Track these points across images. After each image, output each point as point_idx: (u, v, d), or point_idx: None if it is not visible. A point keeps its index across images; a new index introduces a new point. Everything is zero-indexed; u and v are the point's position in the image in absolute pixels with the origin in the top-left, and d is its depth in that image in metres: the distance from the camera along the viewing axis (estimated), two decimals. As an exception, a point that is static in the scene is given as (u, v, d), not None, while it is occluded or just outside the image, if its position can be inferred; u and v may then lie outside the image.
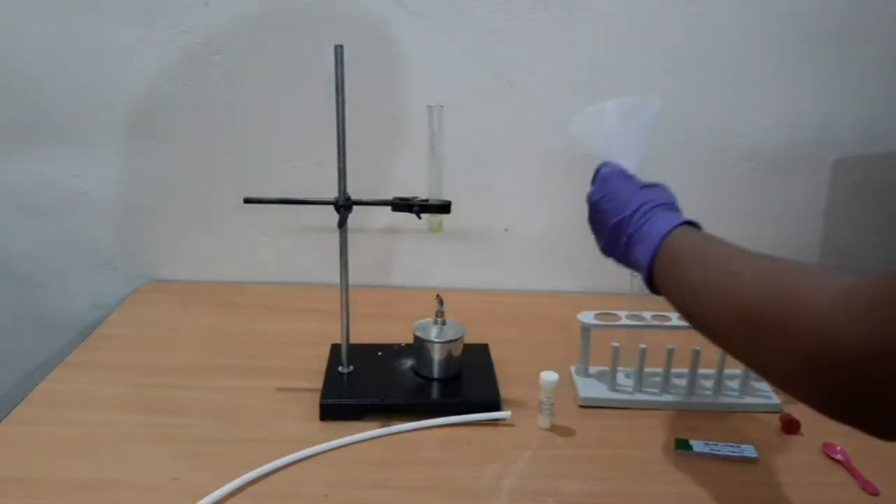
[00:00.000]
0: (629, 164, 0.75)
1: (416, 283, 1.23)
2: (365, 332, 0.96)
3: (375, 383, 0.90)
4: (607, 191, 0.73)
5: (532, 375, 0.84)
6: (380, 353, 0.96)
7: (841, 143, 1.16)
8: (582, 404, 0.90)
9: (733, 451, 0.80)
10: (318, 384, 0.89)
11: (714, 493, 0.75)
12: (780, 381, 0.51)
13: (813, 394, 0.48)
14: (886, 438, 0.46)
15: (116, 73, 1.12)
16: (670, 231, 0.65)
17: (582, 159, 1.17)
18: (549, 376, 0.83)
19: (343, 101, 0.82)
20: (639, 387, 0.91)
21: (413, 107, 1.13)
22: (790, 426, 0.84)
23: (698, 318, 0.59)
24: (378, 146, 1.15)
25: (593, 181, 0.77)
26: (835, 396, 0.46)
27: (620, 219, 0.69)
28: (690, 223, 0.67)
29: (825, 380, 0.46)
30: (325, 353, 0.96)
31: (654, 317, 0.91)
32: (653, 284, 0.66)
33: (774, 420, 0.86)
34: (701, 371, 0.90)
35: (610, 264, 0.74)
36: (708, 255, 0.61)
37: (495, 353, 0.97)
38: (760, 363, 0.53)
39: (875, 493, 0.74)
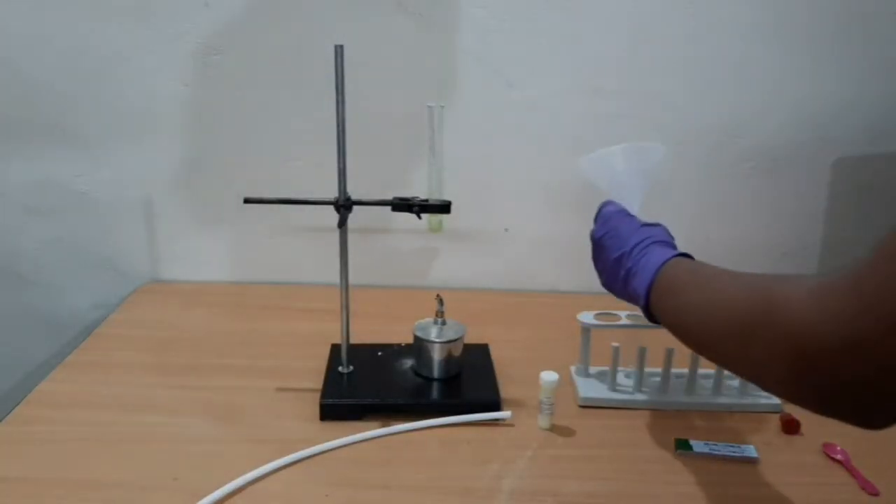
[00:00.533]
0: (632, 204, 0.80)
1: (416, 283, 1.23)
2: (365, 332, 0.96)
3: (375, 383, 0.90)
4: (609, 228, 0.77)
5: (532, 375, 0.84)
6: (380, 353, 0.96)
7: (841, 143, 1.16)
8: (582, 404, 0.90)
9: (733, 451, 0.80)
10: (318, 384, 0.89)
11: (714, 493, 0.75)
12: (771, 386, 0.53)
13: (801, 393, 0.49)
14: (875, 428, 0.47)
15: (116, 72, 1.12)
16: (665, 262, 0.69)
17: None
18: (549, 376, 0.83)
19: (343, 101, 0.82)
20: (639, 387, 0.91)
21: (413, 107, 1.13)
22: (790, 426, 0.84)
23: (692, 337, 0.63)
24: (378, 146, 1.15)
25: (596, 219, 0.81)
26: (820, 393, 0.48)
27: (620, 254, 0.74)
28: (685, 255, 0.71)
29: (808, 378, 0.47)
30: (325, 353, 0.96)
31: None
32: (650, 314, 0.70)
33: (774, 420, 0.86)
34: (701, 371, 0.90)
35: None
36: (698, 277, 0.65)
37: (495, 353, 0.97)
38: (751, 371, 0.55)
39: (875, 493, 0.75)
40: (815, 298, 0.46)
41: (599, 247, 0.78)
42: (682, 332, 0.65)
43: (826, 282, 0.46)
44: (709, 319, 0.59)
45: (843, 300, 0.44)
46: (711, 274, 0.63)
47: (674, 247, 0.74)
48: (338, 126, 0.83)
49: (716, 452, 0.80)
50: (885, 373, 0.43)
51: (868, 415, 0.47)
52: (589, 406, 0.90)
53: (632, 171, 0.80)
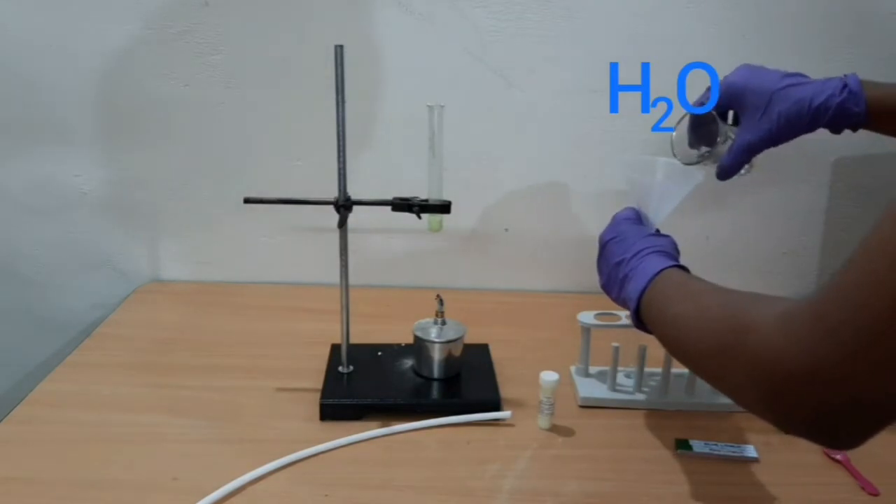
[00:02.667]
0: (656, 217, 0.81)
1: (416, 283, 1.23)
2: (365, 332, 0.96)
3: (375, 383, 0.90)
4: (617, 233, 0.79)
5: (532, 375, 0.84)
6: (380, 353, 0.96)
7: (841, 143, 1.16)
8: (582, 404, 0.90)
9: (733, 451, 0.80)
10: (318, 384, 0.89)
11: (714, 493, 0.75)
12: (747, 406, 0.54)
13: (773, 416, 0.50)
14: (846, 449, 0.48)
15: (116, 72, 1.12)
16: (660, 271, 0.70)
17: (583, 160, 1.18)
18: (549, 376, 0.83)
19: (343, 101, 0.82)
20: (639, 387, 0.91)
21: (413, 107, 1.13)
22: (790, 426, 0.84)
23: (676, 349, 0.64)
24: (378, 146, 1.15)
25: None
26: (789, 415, 0.48)
27: (621, 259, 0.75)
28: (681, 267, 0.72)
29: (778, 402, 0.48)
30: (325, 353, 0.96)
31: (654, 317, 0.91)
32: (640, 320, 0.71)
33: (774, 420, 0.86)
34: (701, 371, 0.90)
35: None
36: (686, 291, 0.66)
37: (495, 353, 0.97)
38: (728, 390, 0.56)
39: (875, 493, 0.74)
40: (781, 324, 0.47)
41: (606, 249, 0.80)
42: (668, 344, 0.66)
43: (792, 308, 0.47)
44: (690, 336, 0.60)
45: (806, 327, 0.45)
46: (698, 290, 0.64)
47: (675, 259, 0.74)
48: (338, 126, 0.83)
49: (716, 452, 0.80)
50: (847, 398, 0.44)
51: (837, 438, 0.48)
52: (589, 406, 0.90)
53: (666, 186, 0.81)
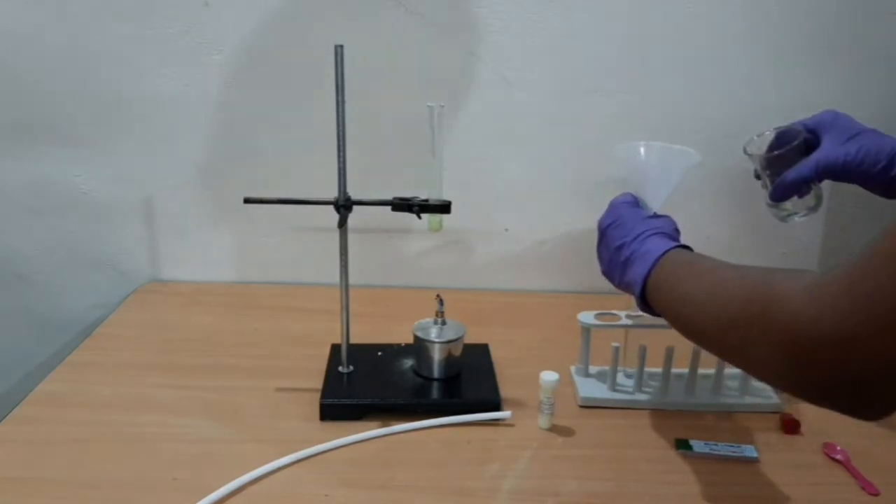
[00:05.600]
0: (654, 201, 0.80)
1: (416, 283, 1.23)
2: (365, 332, 0.96)
3: (375, 383, 0.90)
4: (616, 217, 0.79)
5: (532, 375, 0.84)
6: (380, 353, 0.96)
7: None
8: (582, 404, 0.90)
9: (733, 451, 0.80)
10: (318, 384, 0.89)
11: (714, 493, 0.75)
12: (769, 377, 0.54)
13: (798, 386, 0.50)
14: (872, 419, 0.49)
15: (116, 73, 1.12)
16: (665, 252, 0.70)
17: (582, 159, 1.18)
18: (549, 376, 0.83)
19: (343, 101, 0.83)
20: (639, 387, 0.91)
21: (413, 107, 1.13)
22: (790, 426, 0.84)
23: (690, 327, 0.64)
24: (378, 146, 1.15)
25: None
26: (816, 386, 0.49)
27: (622, 243, 0.75)
28: (684, 247, 0.72)
29: (804, 372, 0.48)
30: (325, 353, 0.96)
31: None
32: (645, 303, 0.71)
33: (774, 420, 0.86)
34: (701, 371, 0.90)
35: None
36: (696, 268, 0.65)
37: (495, 353, 0.98)
38: (749, 362, 0.56)
39: (875, 493, 0.75)
40: (810, 295, 0.47)
41: (605, 235, 0.79)
42: (680, 323, 0.65)
43: (821, 279, 0.47)
44: (707, 312, 0.60)
45: (836, 298, 0.45)
46: (710, 266, 0.64)
47: (676, 239, 0.74)
48: (338, 126, 0.83)
49: (716, 452, 0.80)
50: (881, 365, 0.44)
51: (864, 407, 0.49)
52: (589, 406, 0.90)
53: (662, 171, 0.81)
